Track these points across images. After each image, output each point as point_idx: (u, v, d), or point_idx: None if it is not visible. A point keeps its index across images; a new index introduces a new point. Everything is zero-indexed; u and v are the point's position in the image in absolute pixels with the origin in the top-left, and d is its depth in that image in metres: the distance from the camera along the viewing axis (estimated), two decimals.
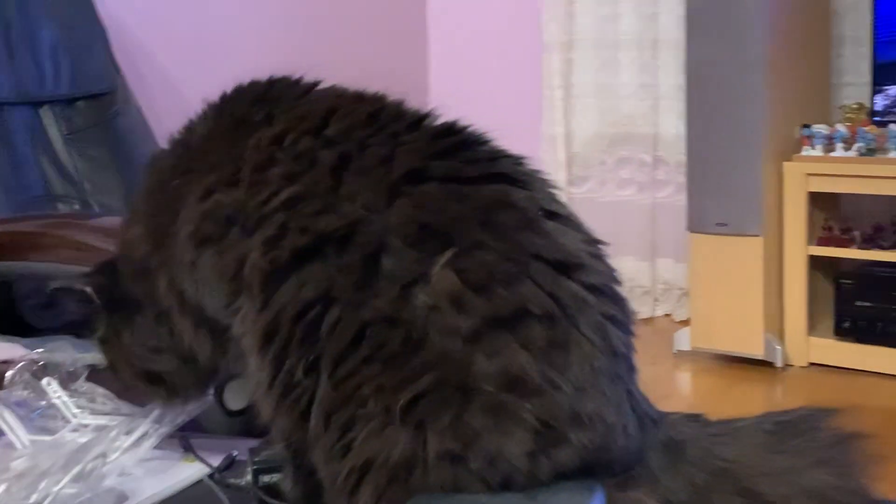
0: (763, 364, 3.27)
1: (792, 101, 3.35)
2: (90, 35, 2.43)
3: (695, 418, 0.91)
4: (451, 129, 0.93)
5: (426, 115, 0.93)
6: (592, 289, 0.84)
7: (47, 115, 2.29)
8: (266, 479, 0.97)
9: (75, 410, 1.17)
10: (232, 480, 1.02)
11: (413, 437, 0.80)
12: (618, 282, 0.89)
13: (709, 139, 3.28)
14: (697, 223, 3.34)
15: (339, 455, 0.84)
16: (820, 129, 3.27)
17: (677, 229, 3.65)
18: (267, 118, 0.93)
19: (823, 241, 3.32)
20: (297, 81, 0.99)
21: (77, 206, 2.24)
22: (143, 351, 1.02)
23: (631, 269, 3.93)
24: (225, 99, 0.99)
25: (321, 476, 0.86)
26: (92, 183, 2.29)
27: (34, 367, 1.20)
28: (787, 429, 0.91)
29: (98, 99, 2.37)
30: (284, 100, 0.96)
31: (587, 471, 0.82)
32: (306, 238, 0.85)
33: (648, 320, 3.89)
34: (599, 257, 0.88)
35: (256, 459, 0.99)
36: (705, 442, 0.88)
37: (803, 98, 3.41)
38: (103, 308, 1.04)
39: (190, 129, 0.99)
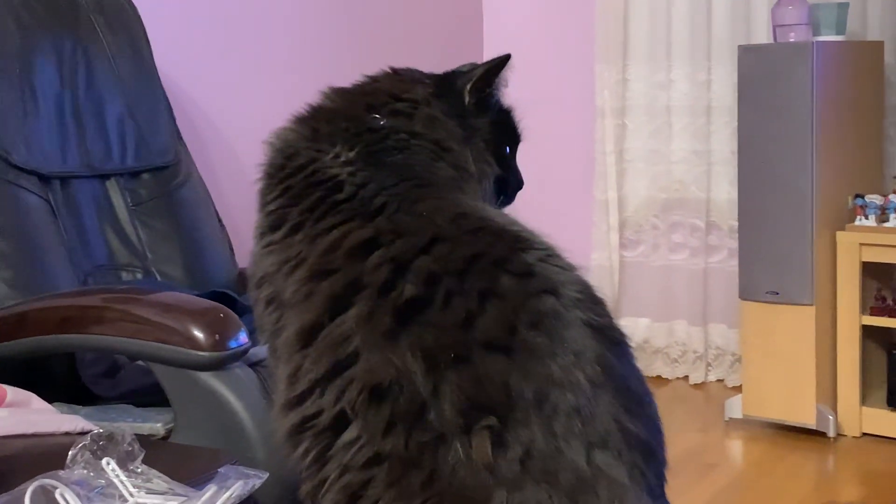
0: (815, 434, 3.25)
1: (844, 170, 3.36)
2: (155, 107, 2.49)
3: None
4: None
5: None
6: (624, 456, 0.89)
7: (113, 188, 2.35)
8: None
9: (132, 490, 1.22)
10: None
11: None
12: (658, 436, 0.93)
13: (760, 207, 3.30)
14: (749, 291, 3.35)
15: None
16: (873, 199, 3.27)
17: (730, 294, 3.65)
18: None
19: (876, 311, 3.30)
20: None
21: (139, 275, 2.30)
22: None
23: (683, 334, 3.94)
24: None
25: None
26: (154, 252, 2.34)
27: (95, 447, 1.26)
28: None
29: (162, 171, 2.43)
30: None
31: None
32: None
33: (700, 385, 3.88)
34: (645, 418, 0.93)
35: None
36: None
37: (856, 168, 3.42)
38: None
39: None
